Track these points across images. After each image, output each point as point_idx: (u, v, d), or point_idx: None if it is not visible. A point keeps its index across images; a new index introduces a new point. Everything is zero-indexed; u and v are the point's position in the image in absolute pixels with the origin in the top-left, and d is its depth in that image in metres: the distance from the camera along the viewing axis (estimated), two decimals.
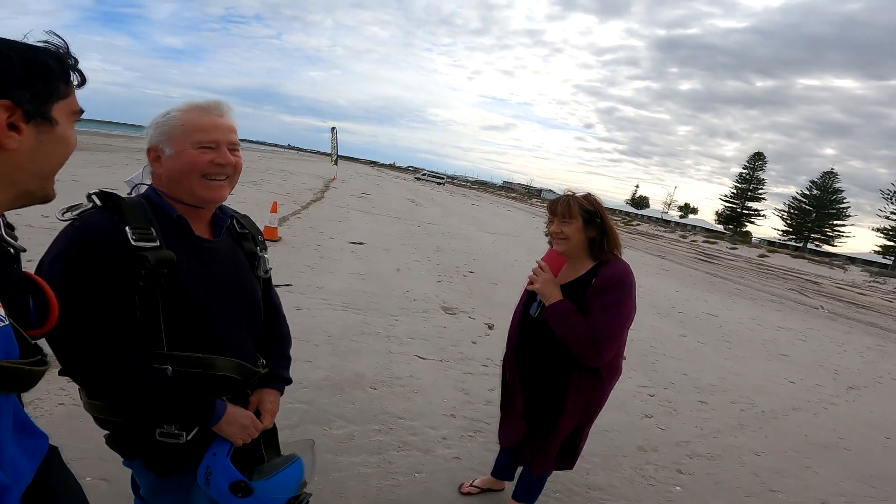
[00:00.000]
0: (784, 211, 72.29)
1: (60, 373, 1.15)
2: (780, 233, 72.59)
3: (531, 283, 2.07)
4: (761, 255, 35.39)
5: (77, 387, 1.26)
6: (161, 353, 1.20)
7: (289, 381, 1.54)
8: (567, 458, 2.26)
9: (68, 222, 1.16)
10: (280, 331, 1.59)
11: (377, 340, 4.51)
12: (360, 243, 9.21)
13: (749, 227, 77.27)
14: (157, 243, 1.17)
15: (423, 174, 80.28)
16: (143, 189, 1.32)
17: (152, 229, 1.17)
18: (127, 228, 1.14)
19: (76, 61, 0.80)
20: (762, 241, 75.22)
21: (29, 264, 0.88)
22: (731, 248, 38.79)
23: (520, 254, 12.16)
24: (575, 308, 1.96)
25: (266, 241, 1.57)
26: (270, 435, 1.47)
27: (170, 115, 1.25)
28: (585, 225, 2.01)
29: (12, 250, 0.82)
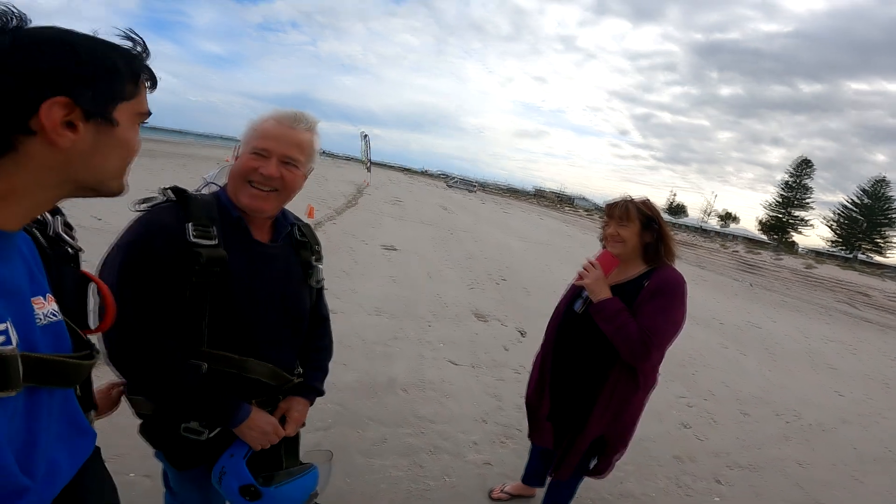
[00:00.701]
0: (832, 220, 69.21)
1: (109, 361, 1.19)
2: (828, 242, 69.49)
3: (580, 277, 2.05)
4: (808, 266, 33.90)
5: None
6: (201, 350, 1.23)
7: (321, 393, 1.54)
8: (599, 464, 2.21)
9: (139, 214, 1.21)
10: (323, 343, 1.59)
11: (410, 345, 4.54)
12: (393, 248, 9.30)
13: (795, 237, 74.33)
14: (215, 242, 1.19)
15: (455, 181, 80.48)
16: (214, 188, 1.35)
17: (213, 228, 1.21)
18: (189, 224, 1.18)
19: (148, 63, 0.77)
20: (809, 251, 72.13)
21: (85, 265, 0.89)
22: (775, 259, 37.33)
23: (552, 261, 12.03)
24: (625, 307, 1.94)
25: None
26: (292, 443, 1.47)
27: (257, 118, 1.29)
28: (643, 229, 1.99)
29: (70, 250, 0.83)
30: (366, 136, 29.94)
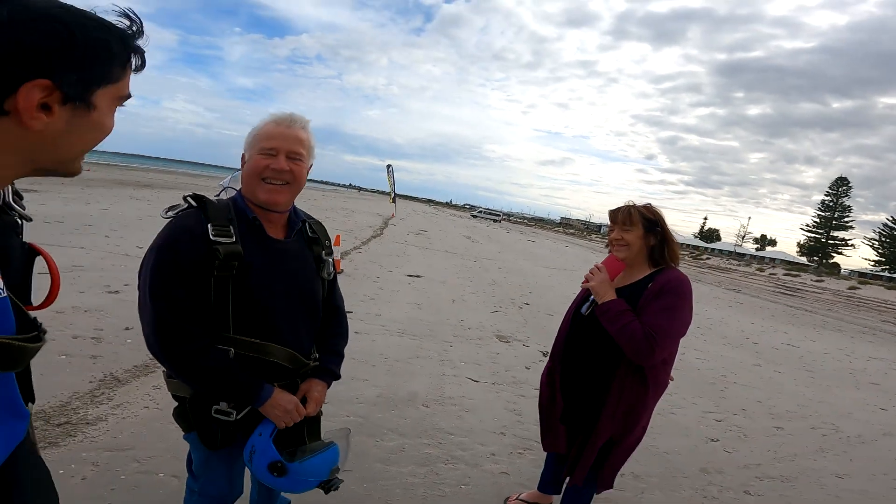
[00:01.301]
0: (875, 239, 66.52)
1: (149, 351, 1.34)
2: (872, 263, 66.58)
3: (586, 280, 2.11)
4: (851, 287, 32.51)
5: (161, 391, 1.45)
6: (227, 336, 1.37)
7: (337, 377, 1.65)
8: (605, 472, 2.18)
9: (168, 220, 1.38)
10: (338, 329, 1.72)
11: (431, 364, 4.58)
12: (418, 276, 9.41)
13: (837, 258, 71.55)
14: (233, 239, 1.35)
15: (480, 212, 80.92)
16: (232, 192, 1.52)
17: (231, 227, 1.36)
18: (209, 226, 1.33)
19: (141, 44, 0.74)
20: (852, 272, 69.14)
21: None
22: (816, 281, 35.96)
23: (577, 287, 11.90)
24: (629, 308, 1.98)
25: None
26: (314, 422, 1.59)
27: (256, 125, 1.46)
28: (646, 233, 2.06)
29: (18, 219, 0.79)
30: (389, 166, 30.61)
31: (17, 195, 0.80)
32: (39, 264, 0.83)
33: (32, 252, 0.81)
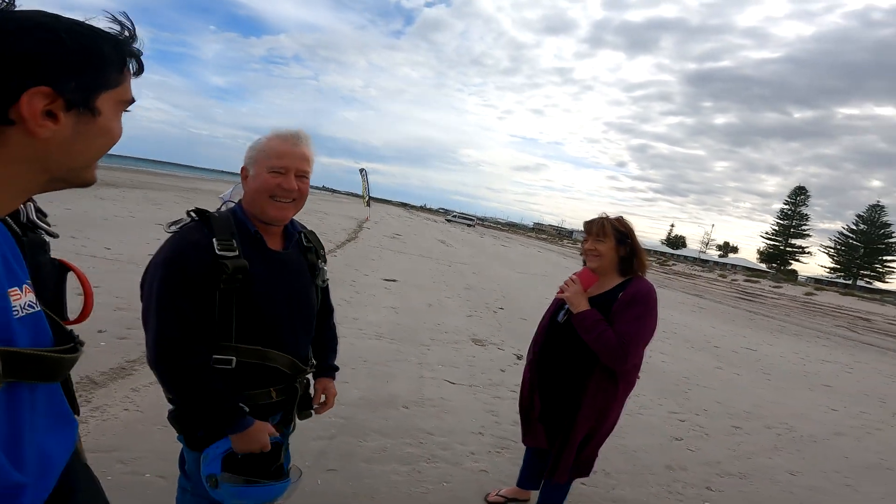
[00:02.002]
0: (831, 247, 69.64)
1: (148, 363, 1.40)
2: (828, 270, 69.67)
3: (561, 291, 2.26)
4: (808, 294, 34.01)
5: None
6: (229, 345, 1.43)
7: (338, 369, 1.84)
8: (581, 464, 2.36)
9: (171, 234, 1.43)
10: (333, 332, 1.87)
11: (410, 366, 4.69)
12: (393, 280, 9.49)
13: (795, 266, 74.51)
14: (237, 253, 1.41)
15: (454, 216, 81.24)
16: (231, 205, 1.58)
17: (234, 241, 1.42)
18: (214, 240, 1.39)
19: (136, 48, 0.75)
20: (809, 279, 72.15)
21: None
22: (774, 287, 37.44)
23: (550, 292, 12.09)
24: (603, 318, 2.14)
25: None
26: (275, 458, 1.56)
27: (259, 140, 1.51)
28: (617, 244, 2.22)
29: (45, 236, 0.80)
30: (363, 170, 30.53)
31: (41, 212, 0.82)
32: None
33: (63, 268, 0.84)
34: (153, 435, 2.69)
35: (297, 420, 1.71)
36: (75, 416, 0.81)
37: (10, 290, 0.63)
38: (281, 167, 1.46)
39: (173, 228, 1.44)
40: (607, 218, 2.27)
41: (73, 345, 0.73)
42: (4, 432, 0.61)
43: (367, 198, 31.32)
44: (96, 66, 0.68)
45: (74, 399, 0.84)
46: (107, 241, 7.72)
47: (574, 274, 2.30)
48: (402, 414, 3.60)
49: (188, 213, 1.48)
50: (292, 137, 1.51)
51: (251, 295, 1.43)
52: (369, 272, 9.91)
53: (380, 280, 9.26)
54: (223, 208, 1.64)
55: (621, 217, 2.30)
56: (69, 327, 0.78)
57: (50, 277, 0.80)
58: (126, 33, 0.72)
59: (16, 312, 0.63)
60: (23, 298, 0.65)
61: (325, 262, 1.75)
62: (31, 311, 0.66)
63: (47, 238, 0.83)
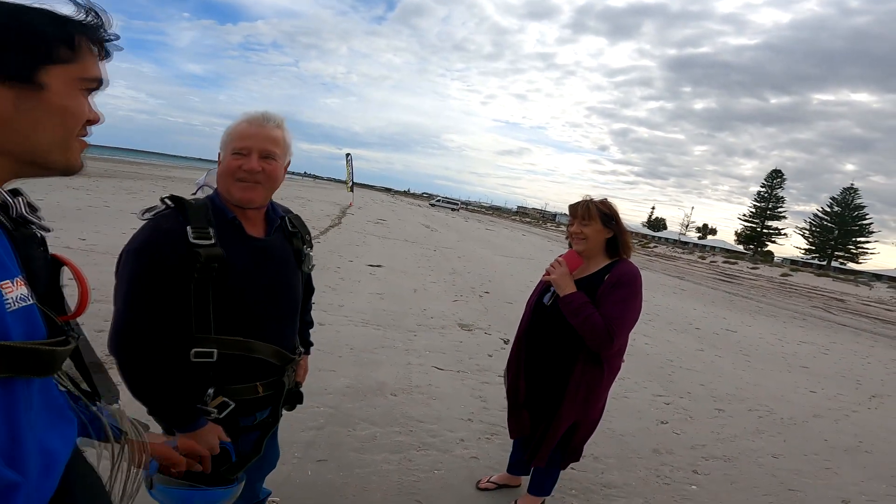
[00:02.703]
0: (806, 229, 71.22)
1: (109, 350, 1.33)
2: (803, 252, 71.31)
3: (548, 273, 2.23)
4: (784, 275, 34.78)
5: (121, 389, 1.39)
6: (208, 337, 1.37)
7: (312, 344, 1.92)
8: (571, 451, 2.36)
9: (145, 222, 1.36)
10: (310, 313, 1.89)
11: (397, 353, 4.66)
12: (379, 266, 9.42)
13: (771, 247, 76.15)
14: (212, 241, 1.34)
15: (438, 200, 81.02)
16: (209, 191, 1.51)
17: (210, 229, 1.35)
18: (188, 228, 1.33)
19: (93, 28, 0.74)
20: (785, 260, 73.82)
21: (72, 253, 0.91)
22: (751, 268, 38.21)
23: (535, 275, 12.19)
24: (589, 300, 2.12)
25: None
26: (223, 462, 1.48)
27: (229, 126, 1.46)
28: (603, 226, 2.20)
29: (37, 231, 0.79)
30: (348, 155, 30.20)
31: (31, 207, 0.80)
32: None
33: (57, 263, 0.82)
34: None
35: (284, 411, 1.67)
36: (116, 401, 0.87)
37: (1, 283, 0.62)
38: (242, 148, 1.41)
39: (147, 216, 1.37)
40: (592, 200, 2.24)
41: (66, 338, 0.72)
42: (1, 430, 0.60)
43: (350, 183, 31.03)
44: (28, 38, 0.66)
45: (110, 382, 0.89)
46: (81, 231, 7.51)
47: (560, 256, 2.27)
48: (390, 402, 3.57)
49: (162, 199, 1.41)
50: (258, 119, 1.45)
51: (229, 284, 1.38)
52: (354, 258, 9.82)
53: (365, 266, 9.18)
54: (199, 194, 1.57)
55: (606, 199, 2.27)
56: (69, 322, 0.78)
57: (43, 272, 0.78)
58: (82, 14, 0.72)
59: (9, 305, 0.62)
60: (15, 291, 0.64)
61: (310, 247, 1.70)
62: (24, 304, 0.65)
63: (40, 233, 0.81)
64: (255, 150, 1.41)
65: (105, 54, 0.76)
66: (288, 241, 1.60)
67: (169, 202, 1.39)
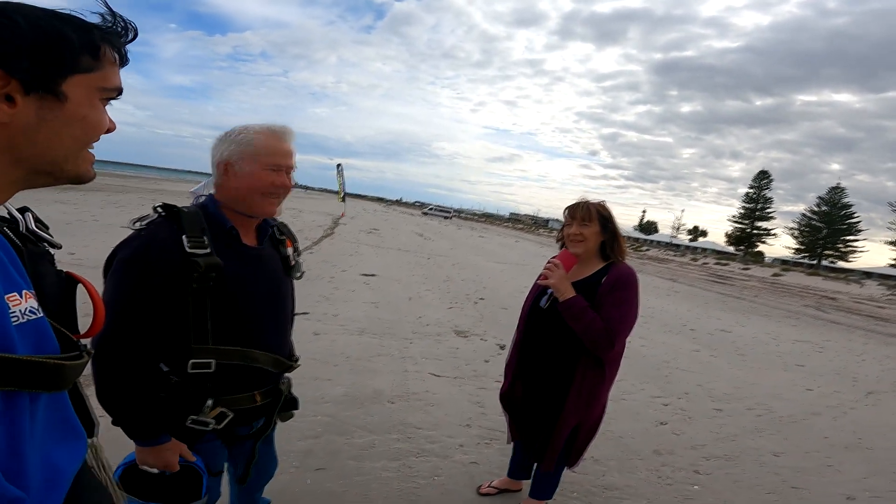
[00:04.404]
0: (795, 229, 71.91)
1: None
2: (793, 251, 71.95)
3: (544, 277, 2.21)
4: (775, 274, 35.00)
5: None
6: (206, 348, 1.34)
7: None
8: (575, 453, 2.34)
9: (136, 230, 1.33)
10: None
11: (393, 361, 4.62)
12: (372, 275, 9.38)
13: (761, 247, 76.77)
14: (208, 250, 1.31)
15: (430, 209, 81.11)
16: (203, 199, 1.48)
17: (205, 238, 1.33)
18: (184, 237, 1.30)
19: (114, 36, 0.72)
20: (776, 260, 74.41)
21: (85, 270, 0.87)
22: (743, 269, 38.45)
23: (529, 281, 12.19)
24: (588, 304, 2.10)
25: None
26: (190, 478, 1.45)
27: (247, 135, 1.39)
28: (601, 229, 2.19)
29: (48, 248, 0.77)
30: (339, 165, 30.17)
31: (41, 223, 0.78)
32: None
33: (72, 280, 0.79)
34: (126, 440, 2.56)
35: (280, 422, 1.64)
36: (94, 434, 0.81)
37: (7, 295, 0.60)
38: (277, 165, 1.40)
39: (138, 225, 1.34)
40: (591, 202, 2.24)
41: (79, 352, 0.69)
42: (3, 444, 0.58)
43: (342, 194, 30.97)
44: (54, 47, 0.65)
45: (89, 414, 0.80)
46: (70, 245, 7.42)
47: (554, 257, 2.26)
48: (387, 409, 3.54)
49: (154, 208, 1.38)
50: (287, 135, 1.44)
51: (227, 293, 1.35)
52: (347, 268, 9.78)
53: (358, 275, 9.14)
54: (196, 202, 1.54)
55: (603, 202, 2.27)
56: (82, 341, 0.75)
57: (54, 289, 0.75)
58: (108, 22, 0.71)
59: (15, 318, 0.60)
60: (23, 304, 0.61)
61: (299, 254, 1.67)
62: (33, 317, 0.62)
63: (51, 249, 0.79)
64: (286, 166, 1.42)
65: (125, 61, 0.75)
66: (276, 249, 1.59)
67: (161, 211, 1.36)
